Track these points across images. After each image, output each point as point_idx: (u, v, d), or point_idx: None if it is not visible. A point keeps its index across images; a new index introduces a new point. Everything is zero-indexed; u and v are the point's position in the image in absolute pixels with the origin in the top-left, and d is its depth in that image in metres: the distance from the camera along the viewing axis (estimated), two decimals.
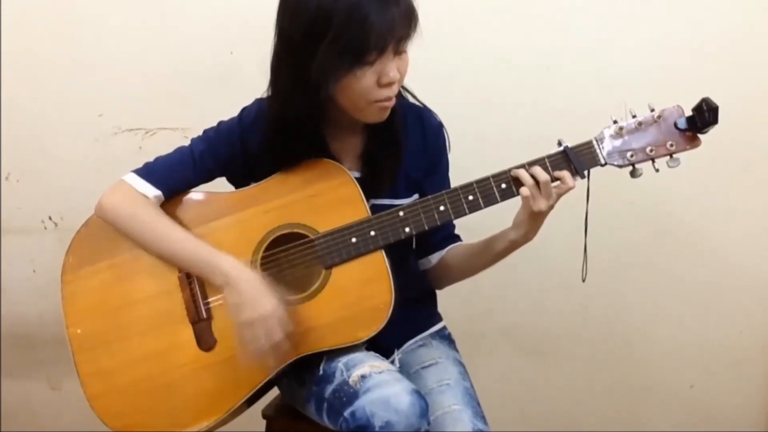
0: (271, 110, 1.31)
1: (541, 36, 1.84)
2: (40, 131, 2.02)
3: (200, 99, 1.92)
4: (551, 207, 1.25)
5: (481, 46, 1.86)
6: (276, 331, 1.22)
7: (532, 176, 1.24)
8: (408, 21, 1.20)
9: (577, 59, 1.84)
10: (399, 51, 1.22)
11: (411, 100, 1.41)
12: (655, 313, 1.98)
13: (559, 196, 1.25)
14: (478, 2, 1.85)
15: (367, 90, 1.22)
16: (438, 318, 1.52)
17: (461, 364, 1.42)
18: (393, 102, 1.26)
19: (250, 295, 1.23)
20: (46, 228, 2.08)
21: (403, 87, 1.38)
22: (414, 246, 1.46)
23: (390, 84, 1.22)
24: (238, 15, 1.89)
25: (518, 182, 1.26)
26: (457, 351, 1.48)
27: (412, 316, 1.42)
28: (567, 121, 1.82)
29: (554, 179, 1.25)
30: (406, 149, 1.36)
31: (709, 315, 1.95)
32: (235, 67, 1.91)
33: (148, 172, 1.35)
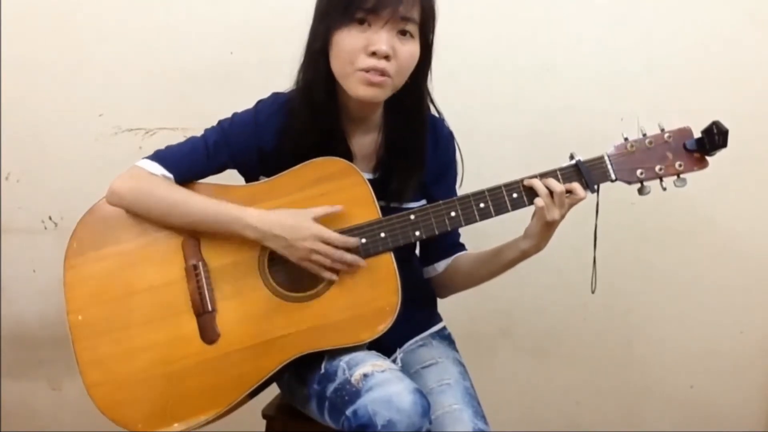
0: (301, 94, 1.33)
1: (542, 37, 1.85)
2: (40, 131, 2.02)
3: (200, 99, 1.92)
4: (563, 216, 1.26)
5: (481, 47, 1.86)
6: (331, 241, 1.24)
7: (546, 186, 1.25)
8: (413, 1, 1.22)
9: (578, 60, 1.85)
10: (401, 30, 1.24)
11: (432, 109, 1.41)
12: (655, 313, 1.98)
13: (571, 206, 1.26)
14: (478, 3, 1.85)
15: (353, 52, 1.23)
16: (438, 318, 1.53)
17: (461, 364, 1.43)
18: (382, 80, 1.25)
19: (289, 234, 1.25)
20: (46, 228, 2.08)
21: (431, 99, 1.39)
22: (417, 250, 1.47)
23: (376, 54, 1.22)
24: (238, 15, 1.89)
25: (530, 192, 1.26)
26: (456, 351, 1.48)
27: (412, 316, 1.41)
28: (567, 121, 1.82)
29: (567, 191, 1.26)
30: (424, 159, 1.37)
31: (709, 315, 1.96)
32: (235, 67, 1.91)
33: (159, 158, 1.35)
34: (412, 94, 1.33)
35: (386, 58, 1.23)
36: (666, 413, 2.03)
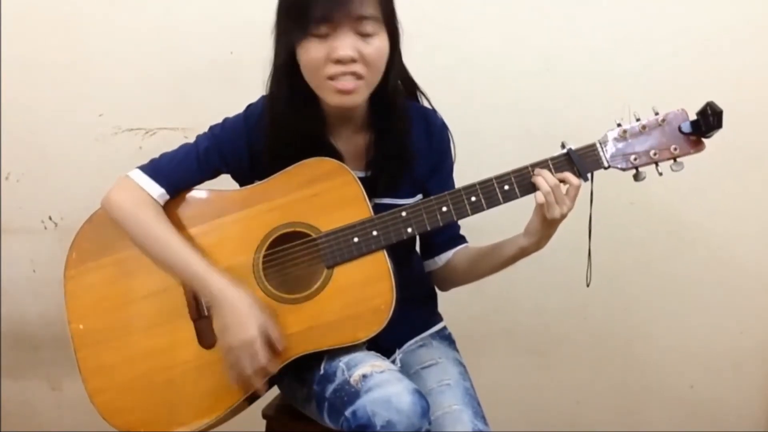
0: (267, 107, 1.33)
1: (542, 37, 1.84)
2: (40, 131, 2.02)
3: (200, 99, 1.92)
4: (564, 215, 1.24)
5: (481, 47, 1.86)
6: (258, 357, 1.22)
7: (546, 181, 1.23)
8: (364, 0, 1.20)
9: (577, 59, 1.84)
10: (361, 32, 1.21)
11: (424, 102, 1.41)
12: (655, 313, 1.98)
13: (573, 199, 1.25)
14: (478, 3, 1.85)
15: (317, 63, 1.22)
16: (438, 318, 1.53)
17: (461, 364, 1.43)
18: (351, 86, 1.23)
19: (234, 320, 1.23)
20: (46, 228, 2.08)
21: (418, 89, 1.39)
22: (416, 246, 1.47)
23: (340, 61, 1.21)
24: (238, 15, 1.89)
25: (521, 183, 1.26)
26: (457, 351, 1.48)
27: (412, 316, 1.42)
28: (567, 121, 1.82)
29: (560, 181, 1.25)
30: (412, 151, 1.36)
31: (709, 315, 1.95)
32: (235, 67, 1.90)
33: (153, 169, 1.35)
34: (384, 83, 1.30)
35: (353, 60, 1.22)
36: (666, 413, 2.03)
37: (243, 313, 1.23)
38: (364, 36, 1.22)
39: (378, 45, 1.24)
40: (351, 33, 1.21)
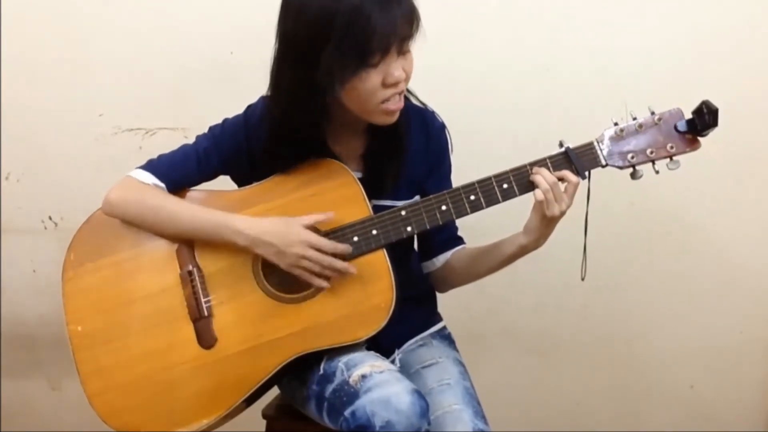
0: (272, 113, 1.31)
1: (541, 37, 1.84)
2: (40, 131, 2.02)
3: (200, 99, 1.92)
4: (563, 212, 1.25)
5: (481, 48, 1.86)
6: (319, 245, 1.25)
7: (545, 179, 1.24)
8: (410, 21, 1.19)
9: (577, 60, 1.84)
10: (403, 51, 1.22)
11: (414, 101, 1.41)
12: (655, 313, 1.98)
13: (572, 197, 1.25)
14: (478, 4, 1.85)
15: (373, 91, 1.21)
16: (438, 318, 1.53)
17: (461, 364, 1.43)
18: (400, 105, 1.26)
19: (278, 241, 1.25)
20: (46, 228, 2.08)
21: (406, 89, 1.39)
22: (415, 246, 1.47)
23: (395, 84, 1.22)
24: (238, 15, 1.89)
25: (520, 182, 1.26)
26: (457, 351, 1.48)
27: (412, 315, 1.42)
28: (567, 122, 1.82)
29: (558, 179, 1.25)
30: (408, 151, 1.36)
31: (709, 315, 1.95)
32: (235, 67, 1.91)
33: (151, 167, 1.36)
34: None
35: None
36: (666, 413, 2.03)
37: (280, 229, 1.26)
38: (405, 54, 1.23)
39: (412, 57, 1.25)
40: (397, 55, 1.22)
